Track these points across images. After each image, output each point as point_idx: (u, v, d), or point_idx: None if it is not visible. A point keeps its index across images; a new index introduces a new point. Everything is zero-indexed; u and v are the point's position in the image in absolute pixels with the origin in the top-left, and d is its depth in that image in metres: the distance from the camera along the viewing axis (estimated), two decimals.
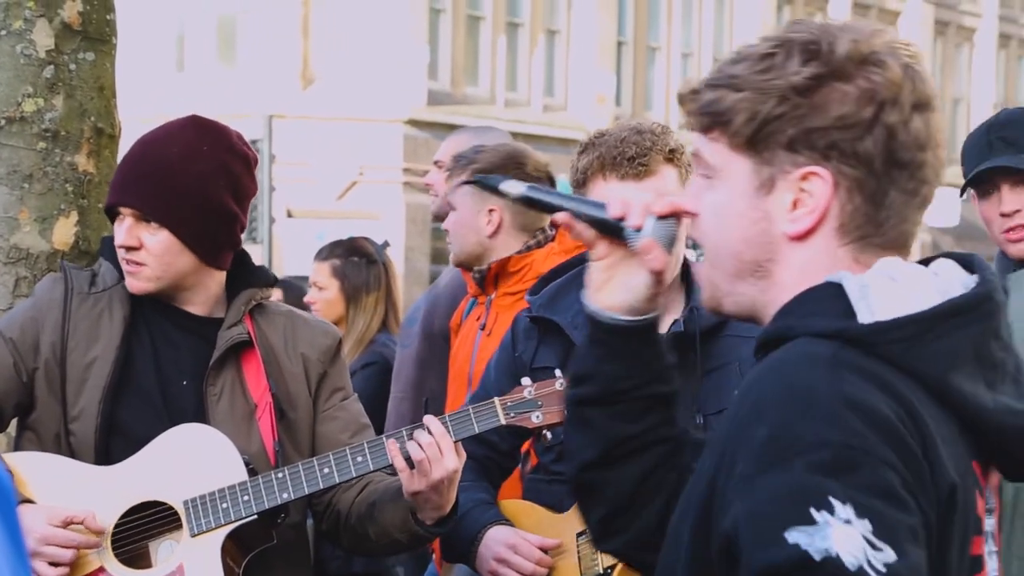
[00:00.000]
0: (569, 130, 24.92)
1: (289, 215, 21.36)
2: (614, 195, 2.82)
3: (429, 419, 2.82)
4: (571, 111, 25.38)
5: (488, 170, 3.83)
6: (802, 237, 1.58)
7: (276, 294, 6.80)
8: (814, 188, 1.57)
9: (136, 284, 2.94)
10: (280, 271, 18.03)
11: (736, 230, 1.61)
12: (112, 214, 2.98)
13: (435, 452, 2.75)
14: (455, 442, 2.82)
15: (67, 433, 2.89)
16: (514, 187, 1.98)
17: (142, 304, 2.98)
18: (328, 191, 22.14)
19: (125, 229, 2.91)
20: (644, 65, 27.09)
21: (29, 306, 2.97)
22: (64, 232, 3.24)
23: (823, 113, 1.57)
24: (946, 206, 29.38)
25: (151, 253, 2.92)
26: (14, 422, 3.00)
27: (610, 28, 25.90)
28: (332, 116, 22.00)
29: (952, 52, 32.18)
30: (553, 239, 3.90)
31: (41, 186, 3.23)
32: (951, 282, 1.60)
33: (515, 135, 5.13)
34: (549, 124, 24.24)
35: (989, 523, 1.59)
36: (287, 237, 20.40)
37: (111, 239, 3.06)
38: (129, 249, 2.91)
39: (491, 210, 3.83)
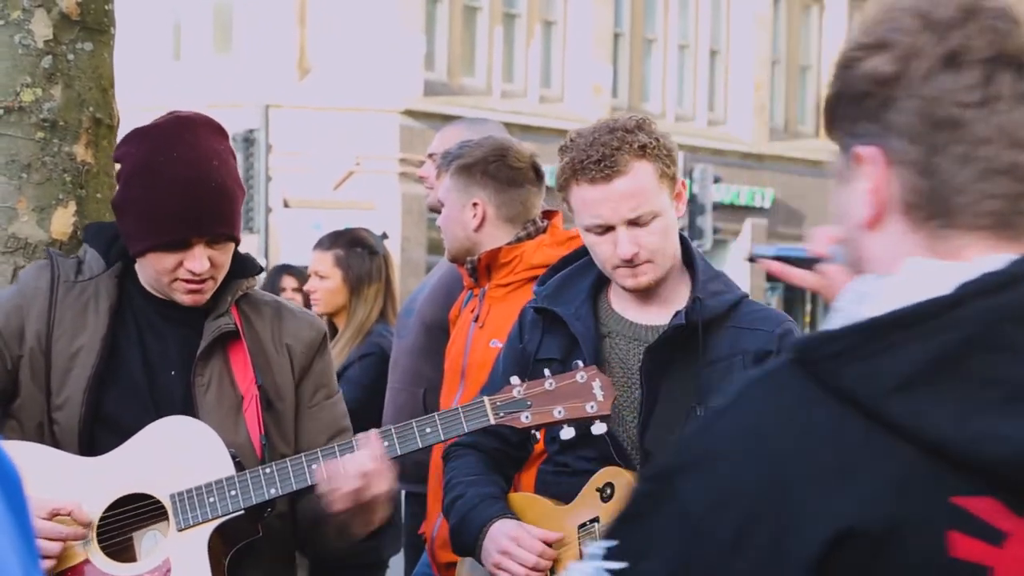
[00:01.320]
0: (566, 121, 24.90)
1: (285, 205, 21.36)
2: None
3: (372, 437, 2.81)
4: (568, 102, 25.37)
5: (472, 164, 3.84)
6: (872, 225, 1.43)
7: (289, 281, 6.77)
8: (867, 169, 1.43)
9: (199, 299, 2.92)
10: (276, 260, 18.02)
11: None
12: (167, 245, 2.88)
13: (368, 479, 2.75)
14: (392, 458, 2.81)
15: (51, 422, 2.88)
16: (763, 250, 2.04)
17: (128, 294, 2.97)
18: (324, 181, 22.13)
19: (200, 257, 2.85)
20: (641, 56, 27.08)
21: (15, 293, 2.95)
22: (62, 222, 3.25)
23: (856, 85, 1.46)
24: None
25: (220, 268, 2.91)
26: None
27: (607, 19, 25.89)
28: (328, 106, 21.99)
29: None
30: (544, 230, 3.90)
31: (39, 176, 3.24)
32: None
33: (511, 126, 5.15)
34: (546, 115, 24.23)
35: None
36: (283, 226, 20.40)
37: (97, 226, 3.06)
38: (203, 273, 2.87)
39: (475, 204, 3.83)
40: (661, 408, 2.89)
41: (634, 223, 2.89)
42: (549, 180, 3.85)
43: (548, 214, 3.95)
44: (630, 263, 2.90)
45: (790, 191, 28.34)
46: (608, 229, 2.90)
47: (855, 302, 1.40)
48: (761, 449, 1.34)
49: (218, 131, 2.95)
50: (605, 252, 2.93)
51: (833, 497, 1.31)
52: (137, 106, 13.12)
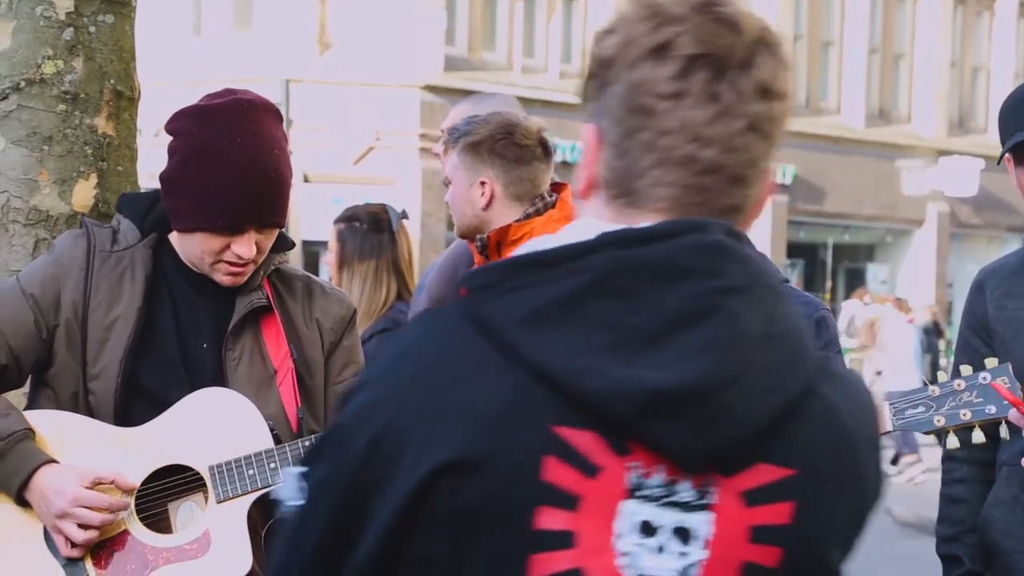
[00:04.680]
0: None
1: (306, 180, 21.37)
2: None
3: None
4: None
5: (479, 142, 3.81)
6: (584, 196, 1.53)
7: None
8: (584, 144, 1.53)
9: (238, 281, 2.93)
10: (297, 235, 18.06)
11: None
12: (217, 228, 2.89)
13: None
14: None
15: (86, 392, 2.89)
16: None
17: (163, 265, 2.98)
18: (345, 156, 22.13)
19: (248, 243, 2.86)
20: None
21: (50, 262, 2.94)
22: (83, 194, 3.26)
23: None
24: (964, 175, 29.27)
25: (264, 252, 2.92)
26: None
27: None
28: (349, 81, 21.97)
29: (972, 20, 32.00)
30: (553, 206, 3.87)
31: (61, 148, 3.24)
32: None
33: (532, 101, 5.12)
34: (566, 91, 24.17)
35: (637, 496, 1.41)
36: (304, 202, 20.42)
37: (130, 196, 3.06)
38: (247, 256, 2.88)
39: (483, 182, 3.82)
40: None
41: None
42: (571, 156, 3.83)
43: (557, 187, 3.93)
44: None
45: (811, 168, 28.24)
46: None
47: (528, 247, 1.48)
48: (402, 374, 1.44)
49: (276, 116, 2.94)
50: None
51: (446, 426, 1.40)
52: (158, 81, 13.11)
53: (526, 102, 4.93)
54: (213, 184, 2.82)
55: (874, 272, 31.40)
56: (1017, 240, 30.88)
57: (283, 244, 3.04)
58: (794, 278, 28.63)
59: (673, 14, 1.45)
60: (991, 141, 29.19)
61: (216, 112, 2.87)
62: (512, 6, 24.38)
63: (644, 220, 1.46)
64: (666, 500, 1.42)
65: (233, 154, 2.82)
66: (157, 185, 2.94)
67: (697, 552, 1.42)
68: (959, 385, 2.72)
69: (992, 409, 2.69)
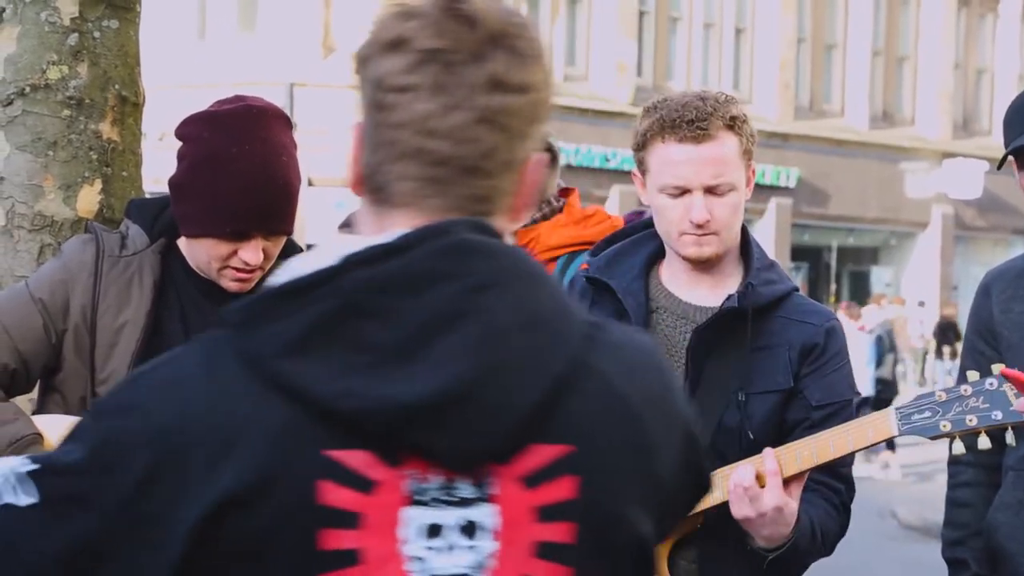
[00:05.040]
0: (590, 100, 24.86)
1: (310, 183, 21.38)
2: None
3: None
4: (592, 80, 25.31)
5: None
6: (355, 192, 1.57)
7: None
8: (352, 138, 1.57)
9: (245, 287, 2.93)
10: (301, 239, 18.06)
11: None
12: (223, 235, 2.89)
13: None
14: None
15: (94, 396, 2.89)
16: None
17: (171, 270, 2.98)
18: (348, 160, 22.12)
19: (255, 249, 2.87)
20: (666, 35, 26.99)
21: (59, 267, 2.95)
22: (88, 200, 3.26)
23: None
24: (968, 177, 29.25)
25: (271, 259, 2.92)
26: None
27: None
28: (353, 85, 21.95)
29: (976, 22, 31.99)
30: (560, 210, 3.87)
31: (65, 154, 3.24)
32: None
33: None
34: (570, 94, 24.18)
35: (415, 513, 1.44)
36: (308, 205, 20.43)
37: (139, 202, 3.06)
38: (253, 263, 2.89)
39: None
40: (703, 389, 2.88)
41: (711, 191, 2.87)
42: (575, 160, 3.83)
43: (564, 192, 3.92)
44: (699, 229, 2.89)
45: (815, 170, 28.24)
46: (684, 192, 2.89)
47: (278, 275, 1.49)
48: (176, 405, 1.44)
49: (286, 123, 2.94)
50: (675, 215, 2.90)
51: (219, 466, 1.41)
52: (162, 85, 13.11)
53: None
54: (222, 190, 2.82)
55: (878, 275, 31.39)
56: (1022, 242, 30.86)
57: (292, 251, 3.04)
58: (798, 281, 28.61)
59: (415, 11, 1.50)
60: (995, 143, 29.17)
61: (226, 118, 2.86)
62: (516, 8, 24.37)
63: (395, 220, 1.49)
64: (447, 500, 1.45)
65: (242, 161, 2.82)
66: (161, 190, 2.95)
67: (487, 544, 1.45)
68: (966, 391, 2.72)
69: (998, 415, 2.69)
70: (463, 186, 1.48)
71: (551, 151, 3.89)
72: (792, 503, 2.70)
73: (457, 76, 1.47)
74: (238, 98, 2.93)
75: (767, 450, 2.73)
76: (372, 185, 1.52)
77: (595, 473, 1.48)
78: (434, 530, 1.44)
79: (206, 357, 1.47)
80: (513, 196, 1.53)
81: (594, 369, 1.50)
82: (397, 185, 1.49)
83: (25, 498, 1.46)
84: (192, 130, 2.88)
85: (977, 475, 3.41)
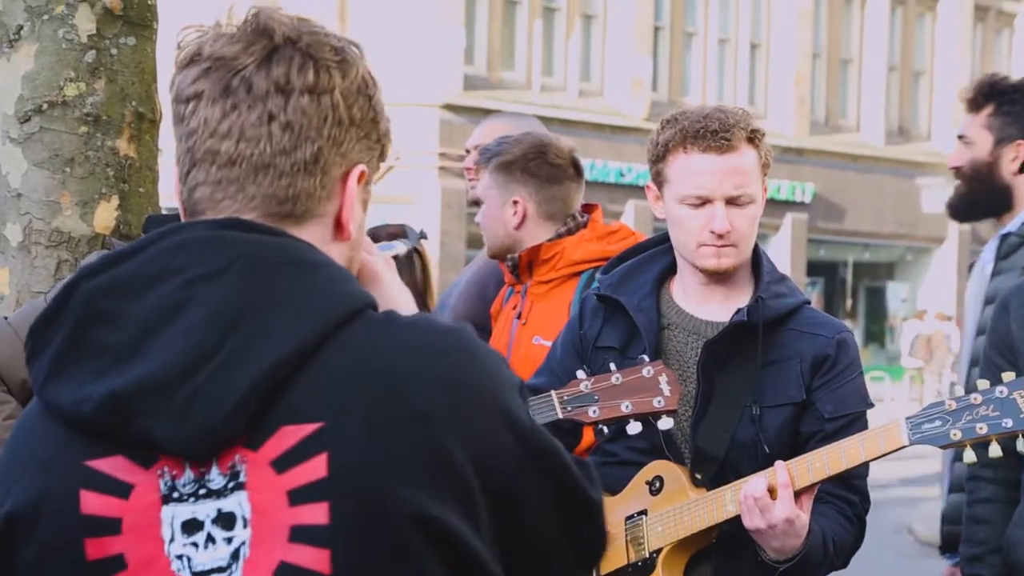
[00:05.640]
0: (605, 115, 24.87)
1: None
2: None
3: None
4: (607, 96, 25.32)
5: (512, 161, 3.82)
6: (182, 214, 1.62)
7: None
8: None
9: None
10: None
11: None
12: None
13: None
14: None
15: None
16: None
17: None
18: None
19: None
20: (681, 50, 27.00)
21: None
22: (105, 216, 3.27)
23: None
24: None
25: None
26: None
27: (647, 13, 25.82)
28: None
29: (992, 37, 31.95)
30: (585, 225, 3.87)
31: (82, 170, 3.25)
32: None
33: (551, 120, 5.14)
34: (585, 109, 24.19)
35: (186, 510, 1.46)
36: None
37: (156, 218, 3.08)
38: None
39: (515, 201, 3.82)
40: (715, 404, 2.88)
41: (732, 202, 2.88)
42: (590, 175, 3.83)
43: (588, 208, 3.93)
44: (719, 240, 2.88)
45: (830, 185, 28.21)
46: (705, 202, 2.88)
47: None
48: (13, 436, 1.55)
49: None
50: (695, 226, 2.90)
51: (9, 483, 1.50)
52: None
53: (545, 121, 4.93)
54: None
55: (895, 290, 31.31)
56: None
57: None
58: (814, 297, 28.56)
59: (217, 29, 1.57)
60: None
61: None
62: (531, 25, 24.43)
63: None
64: (200, 494, 1.45)
65: None
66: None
67: (241, 533, 1.45)
68: (976, 399, 2.71)
69: (1009, 423, 2.68)
70: (257, 184, 1.51)
71: (576, 166, 3.91)
72: (803, 515, 2.69)
73: (243, 80, 1.51)
74: None
75: (778, 462, 2.72)
76: (183, 199, 1.55)
77: (347, 448, 1.43)
78: (193, 525, 1.45)
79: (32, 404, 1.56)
80: (328, 204, 1.55)
81: (352, 344, 1.47)
82: (198, 192, 1.53)
83: None
84: None
85: (996, 491, 3.40)
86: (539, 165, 3.83)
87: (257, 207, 1.51)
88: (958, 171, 3.99)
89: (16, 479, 1.49)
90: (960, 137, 3.99)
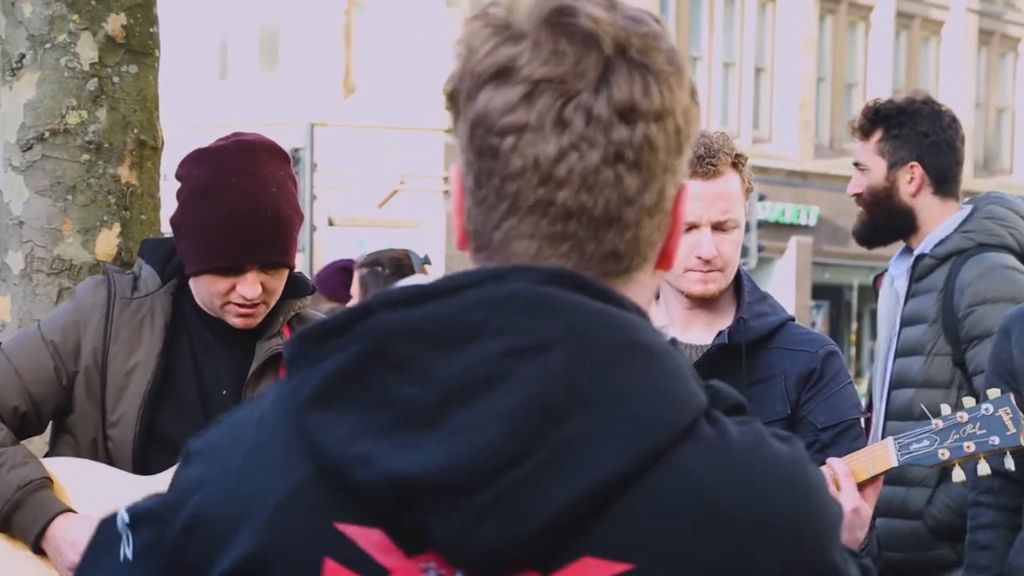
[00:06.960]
0: None
1: (330, 223, 21.45)
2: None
3: None
4: None
5: None
6: (461, 248, 1.31)
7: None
8: (453, 186, 1.31)
9: (250, 323, 2.94)
10: None
11: None
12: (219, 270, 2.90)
13: None
14: None
15: (105, 439, 2.90)
16: None
17: (183, 311, 2.99)
18: (369, 199, 22.21)
19: (252, 283, 2.87)
20: None
21: (72, 309, 2.96)
22: (107, 243, 3.27)
23: None
24: None
25: (272, 293, 2.93)
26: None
27: None
28: (374, 124, 22.08)
29: (997, 61, 31.98)
30: None
31: (84, 198, 3.26)
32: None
33: None
34: None
35: None
36: (328, 245, 20.48)
37: (152, 242, 3.08)
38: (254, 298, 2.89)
39: None
40: None
41: (718, 227, 2.89)
42: None
43: None
44: (706, 265, 2.89)
45: (835, 209, 28.22)
46: (691, 228, 2.89)
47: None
48: (223, 455, 1.27)
49: (279, 156, 2.94)
50: (681, 252, 2.91)
51: (242, 524, 1.22)
52: (183, 125, 13.20)
53: None
54: (210, 225, 2.84)
55: None
56: None
57: (302, 289, 3.04)
58: (819, 320, 28.54)
59: (516, 30, 1.22)
60: (1016, 182, 29.13)
61: (215, 154, 2.89)
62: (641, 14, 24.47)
63: None
64: None
65: (229, 194, 2.83)
66: None
67: None
68: (962, 417, 2.71)
69: (995, 440, 2.68)
70: (598, 242, 1.23)
71: None
72: (867, 506, 2.66)
73: (580, 109, 1.20)
74: (235, 135, 2.96)
75: (832, 458, 2.70)
76: (483, 243, 1.26)
77: None
78: None
79: (263, 403, 1.28)
80: (662, 242, 1.28)
81: (681, 468, 1.18)
82: (516, 245, 1.23)
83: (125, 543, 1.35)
84: (186, 169, 2.92)
85: (997, 517, 3.40)
86: None
87: (593, 267, 1.23)
88: (859, 198, 4.02)
89: (246, 519, 1.22)
90: (856, 164, 4.02)
